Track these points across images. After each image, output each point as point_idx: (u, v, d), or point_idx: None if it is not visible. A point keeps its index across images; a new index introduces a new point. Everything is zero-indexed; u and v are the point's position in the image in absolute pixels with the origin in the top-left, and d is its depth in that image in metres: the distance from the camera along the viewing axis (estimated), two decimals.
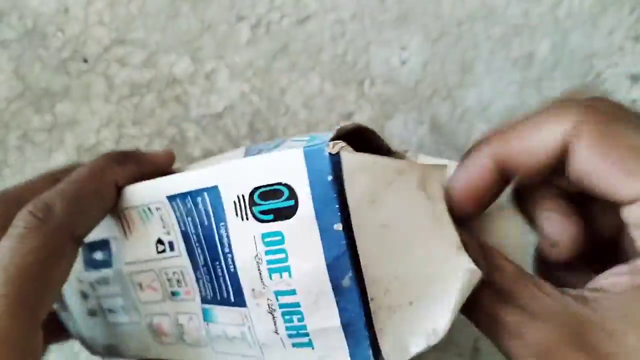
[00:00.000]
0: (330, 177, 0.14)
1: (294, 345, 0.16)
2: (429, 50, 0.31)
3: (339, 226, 0.14)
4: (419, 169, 0.15)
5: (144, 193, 0.18)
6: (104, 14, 0.29)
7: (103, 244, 0.20)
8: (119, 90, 0.30)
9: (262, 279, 0.15)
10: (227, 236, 0.16)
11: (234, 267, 0.16)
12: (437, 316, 0.15)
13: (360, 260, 0.14)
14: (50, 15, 0.29)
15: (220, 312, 0.17)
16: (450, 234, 0.15)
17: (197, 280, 0.18)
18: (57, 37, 0.29)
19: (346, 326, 0.15)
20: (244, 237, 0.15)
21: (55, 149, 0.30)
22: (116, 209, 0.19)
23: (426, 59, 0.31)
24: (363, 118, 0.31)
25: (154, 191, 0.18)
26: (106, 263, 0.21)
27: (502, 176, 0.17)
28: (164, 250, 0.19)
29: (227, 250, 0.16)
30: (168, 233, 0.18)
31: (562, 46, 0.33)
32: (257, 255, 0.15)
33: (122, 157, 0.20)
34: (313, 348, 0.16)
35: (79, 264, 0.21)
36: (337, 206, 0.14)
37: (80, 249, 0.19)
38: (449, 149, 0.31)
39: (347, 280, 0.15)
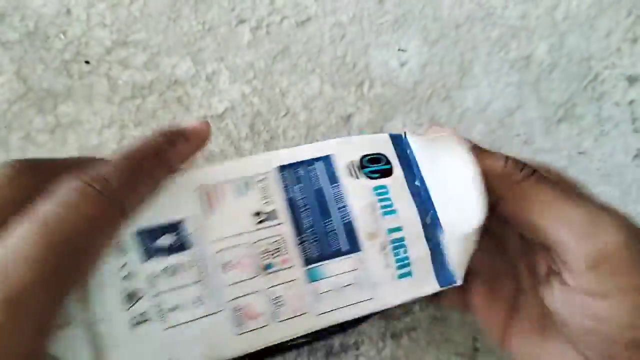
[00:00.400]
0: (409, 151, 0.22)
1: (399, 276, 0.21)
2: (427, 52, 0.32)
3: (418, 181, 0.22)
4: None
5: (248, 166, 0.21)
6: (106, 16, 0.30)
7: (172, 227, 0.19)
8: (121, 91, 0.30)
9: (376, 221, 0.21)
10: (342, 193, 0.21)
11: (349, 218, 0.21)
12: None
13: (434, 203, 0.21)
14: (52, 16, 0.30)
15: (330, 266, 0.20)
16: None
17: (301, 243, 0.20)
18: (59, 39, 0.30)
19: (432, 253, 0.21)
20: (359, 191, 0.21)
21: (58, 150, 0.30)
22: (193, 187, 0.20)
23: (425, 60, 0.32)
24: (362, 119, 0.31)
25: (261, 164, 0.21)
26: (180, 247, 0.19)
27: None
28: (262, 221, 0.20)
29: (341, 205, 0.21)
30: (269, 203, 0.20)
31: (559, 48, 0.33)
32: (371, 202, 0.21)
33: (174, 136, 0.19)
34: (412, 276, 0.21)
35: (130, 258, 0.19)
36: (414, 168, 0.22)
37: (137, 238, 0.18)
38: None
39: (429, 218, 0.21)
